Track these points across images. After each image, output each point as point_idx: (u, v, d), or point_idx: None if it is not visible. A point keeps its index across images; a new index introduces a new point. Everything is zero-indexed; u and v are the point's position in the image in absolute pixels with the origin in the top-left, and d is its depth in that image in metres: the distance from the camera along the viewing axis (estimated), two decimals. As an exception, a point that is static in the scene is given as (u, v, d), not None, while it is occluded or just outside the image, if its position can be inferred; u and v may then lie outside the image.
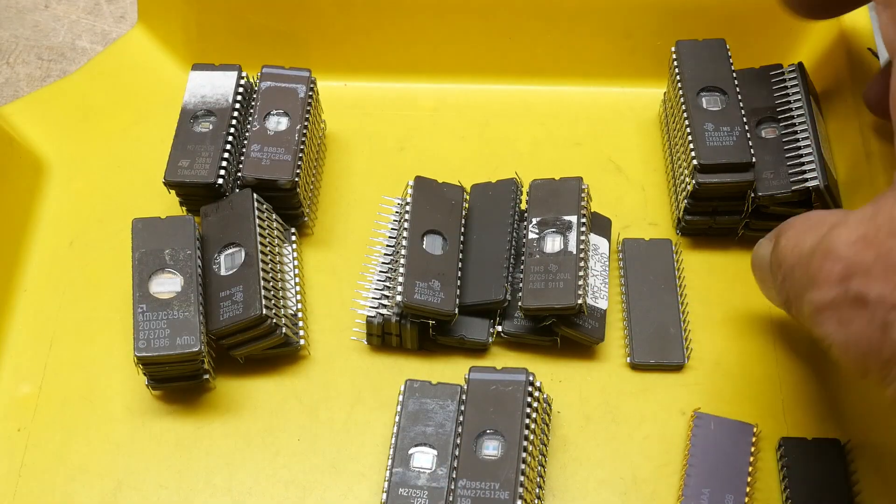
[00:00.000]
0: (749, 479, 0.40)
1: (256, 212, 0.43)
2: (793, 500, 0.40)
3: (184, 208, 0.46)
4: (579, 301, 0.40)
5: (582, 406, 0.43)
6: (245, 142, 0.45)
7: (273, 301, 0.41)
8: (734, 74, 0.46)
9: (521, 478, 0.37)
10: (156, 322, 0.39)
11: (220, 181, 0.44)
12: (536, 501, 0.39)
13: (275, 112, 0.46)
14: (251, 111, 0.46)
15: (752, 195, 0.44)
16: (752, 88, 0.47)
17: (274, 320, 0.41)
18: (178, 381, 0.42)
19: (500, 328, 0.43)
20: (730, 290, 0.46)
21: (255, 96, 0.47)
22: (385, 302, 0.43)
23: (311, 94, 0.47)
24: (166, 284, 0.41)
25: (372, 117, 0.52)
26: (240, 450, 0.42)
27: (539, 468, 0.39)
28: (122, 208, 0.48)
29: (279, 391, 0.43)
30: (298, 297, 0.44)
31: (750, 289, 0.46)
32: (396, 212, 0.45)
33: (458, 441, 0.38)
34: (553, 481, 0.41)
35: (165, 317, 0.40)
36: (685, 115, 0.45)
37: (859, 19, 0.48)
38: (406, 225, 0.43)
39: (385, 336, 0.43)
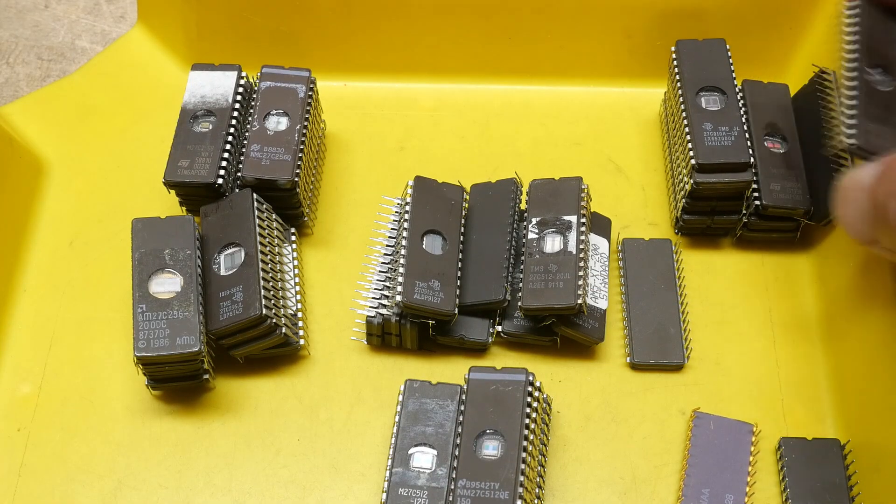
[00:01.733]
0: (749, 479, 0.40)
1: (256, 212, 0.43)
2: (793, 500, 0.40)
3: (184, 208, 0.46)
4: (579, 301, 0.40)
5: (582, 406, 0.43)
6: (245, 142, 0.45)
7: (273, 301, 0.41)
8: (734, 75, 0.46)
9: (521, 478, 0.37)
10: (156, 322, 0.39)
11: (220, 181, 0.44)
12: (536, 501, 0.39)
13: (275, 112, 0.46)
14: (251, 111, 0.46)
15: (758, 203, 0.44)
16: (762, 100, 0.47)
17: (274, 320, 0.41)
18: (177, 381, 0.42)
19: (500, 328, 0.43)
20: (730, 290, 0.46)
21: (254, 96, 0.47)
22: (385, 302, 0.43)
23: (310, 94, 0.47)
24: (166, 284, 0.41)
25: (372, 117, 0.52)
26: (240, 450, 0.42)
27: (539, 468, 0.39)
28: (122, 208, 0.48)
29: (279, 391, 0.43)
30: (298, 297, 0.44)
31: (750, 289, 0.46)
32: (396, 212, 0.45)
33: (458, 441, 0.38)
34: (553, 481, 0.41)
35: (165, 317, 0.40)
36: (684, 114, 0.45)
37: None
38: (406, 225, 0.43)
39: (385, 336, 0.43)
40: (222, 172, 0.44)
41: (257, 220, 0.43)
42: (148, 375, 0.41)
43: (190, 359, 0.40)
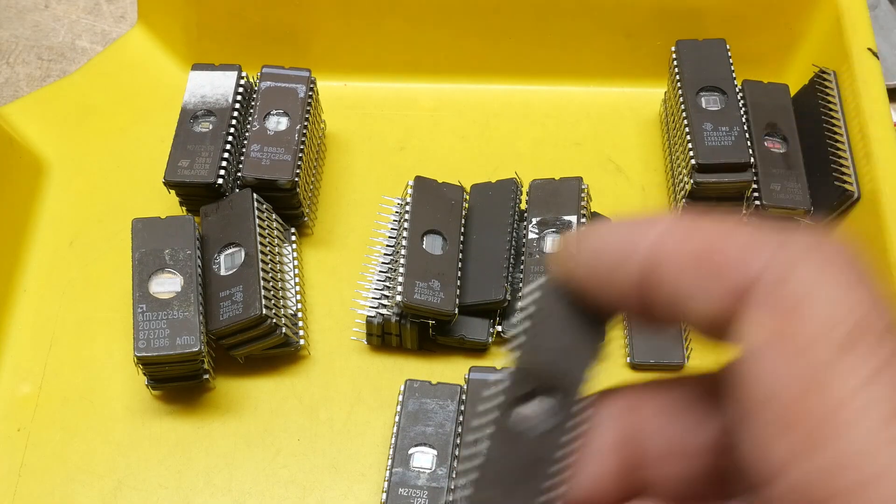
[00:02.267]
0: (749, 479, 0.40)
1: (256, 212, 0.43)
2: (793, 500, 0.40)
3: (184, 208, 0.46)
4: (579, 301, 0.40)
5: (582, 406, 0.43)
6: (245, 142, 0.45)
7: (273, 301, 0.41)
8: (734, 75, 0.46)
9: (521, 478, 0.36)
10: (156, 322, 0.39)
11: (220, 181, 0.44)
12: (536, 501, 0.39)
13: (275, 112, 0.46)
14: (251, 111, 0.46)
15: (758, 203, 0.44)
16: (762, 100, 0.47)
17: (274, 320, 0.41)
18: (178, 381, 0.41)
19: (499, 328, 0.43)
20: (730, 290, 0.46)
21: (254, 96, 0.47)
22: (385, 302, 0.43)
23: (310, 94, 0.47)
24: (166, 284, 0.41)
25: (372, 117, 0.52)
26: (240, 450, 0.42)
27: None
28: (122, 208, 0.48)
29: (279, 391, 0.43)
30: (298, 297, 0.44)
31: (750, 289, 0.46)
32: (396, 212, 0.45)
33: (459, 441, 0.38)
34: (553, 481, 0.41)
35: (165, 317, 0.40)
36: (684, 114, 0.45)
37: (859, 20, 0.47)
38: (406, 225, 0.43)
39: (385, 336, 0.43)
40: (222, 172, 0.44)
41: (257, 221, 0.43)
42: (148, 375, 0.41)
43: (190, 359, 0.40)
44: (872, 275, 0.20)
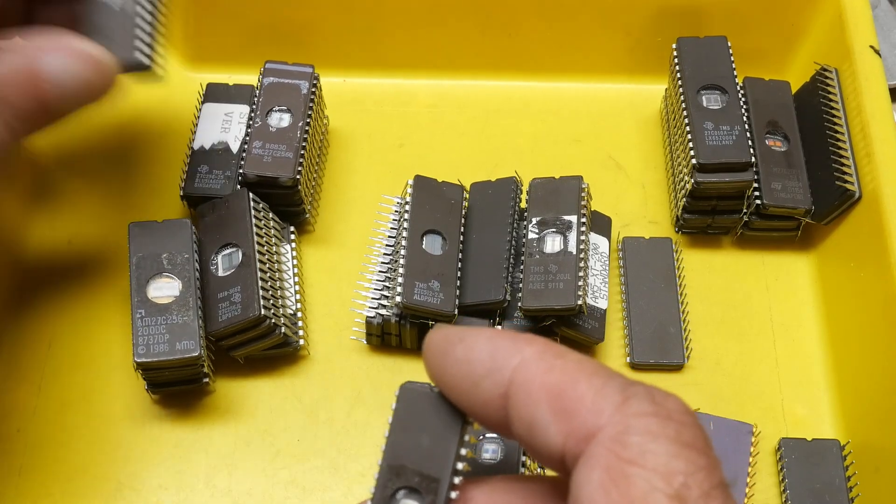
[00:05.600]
0: (748, 480, 0.40)
1: (252, 211, 0.43)
2: (792, 501, 0.40)
3: (185, 203, 0.45)
4: (579, 302, 0.40)
5: (581, 406, 0.43)
6: (247, 138, 0.45)
7: (272, 301, 0.41)
8: (735, 72, 0.46)
9: (521, 481, 0.36)
10: (155, 327, 0.39)
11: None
12: None
13: (277, 108, 0.45)
14: (253, 107, 0.46)
15: (759, 202, 0.44)
16: (763, 98, 0.46)
17: (273, 320, 0.41)
18: (177, 386, 0.41)
19: (499, 328, 0.43)
20: (730, 290, 0.46)
21: (257, 92, 0.46)
22: (385, 302, 0.42)
23: (313, 90, 0.46)
24: (164, 289, 0.40)
25: (371, 114, 0.51)
26: (240, 450, 0.42)
27: (539, 471, 0.39)
28: (121, 207, 0.48)
29: (279, 391, 0.43)
30: (297, 296, 0.44)
31: (750, 288, 0.46)
32: (396, 211, 0.45)
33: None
34: (552, 482, 0.41)
35: (164, 322, 0.39)
36: (685, 113, 0.45)
37: (861, 17, 0.47)
38: (406, 224, 0.43)
39: (385, 336, 0.43)
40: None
41: (254, 220, 0.42)
42: (147, 380, 0.41)
43: (190, 364, 0.40)
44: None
